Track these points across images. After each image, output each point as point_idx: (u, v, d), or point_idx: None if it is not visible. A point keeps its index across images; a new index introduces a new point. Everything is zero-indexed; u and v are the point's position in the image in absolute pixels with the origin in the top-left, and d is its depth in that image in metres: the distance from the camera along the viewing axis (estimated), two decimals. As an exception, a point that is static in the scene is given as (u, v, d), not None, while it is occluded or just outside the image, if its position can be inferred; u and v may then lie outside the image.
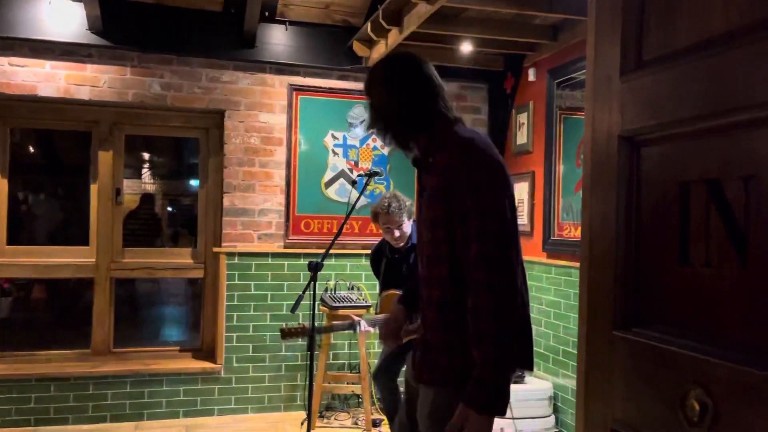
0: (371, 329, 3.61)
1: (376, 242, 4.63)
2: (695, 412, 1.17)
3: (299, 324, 3.44)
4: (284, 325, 3.43)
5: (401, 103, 1.76)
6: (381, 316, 3.52)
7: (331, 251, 4.49)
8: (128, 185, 7.75)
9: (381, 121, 1.82)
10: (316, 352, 4.26)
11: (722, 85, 1.17)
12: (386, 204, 3.29)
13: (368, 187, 4.61)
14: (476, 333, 1.60)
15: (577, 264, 3.50)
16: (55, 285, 5.15)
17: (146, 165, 7.62)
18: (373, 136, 4.66)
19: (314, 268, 2.89)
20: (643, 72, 1.45)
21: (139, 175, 7.80)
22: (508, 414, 3.74)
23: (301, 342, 4.35)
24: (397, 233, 3.34)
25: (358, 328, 3.60)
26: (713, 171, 1.22)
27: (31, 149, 5.14)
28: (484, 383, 1.58)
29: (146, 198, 6.47)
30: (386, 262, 3.57)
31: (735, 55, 1.13)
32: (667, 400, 1.27)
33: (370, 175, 3.18)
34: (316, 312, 4.37)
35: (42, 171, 5.26)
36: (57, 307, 5.26)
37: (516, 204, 1.76)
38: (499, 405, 1.60)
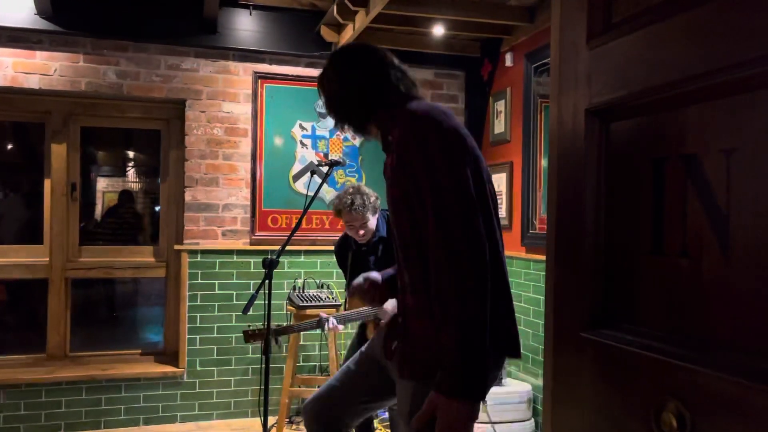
0: (340, 327, 3.42)
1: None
2: (672, 428, 1.02)
3: (263, 325, 3.22)
4: (247, 327, 3.25)
5: (351, 87, 1.72)
6: (351, 311, 3.35)
7: (300, 247, 4.36)
8: (110, 183, 7.55)
9: (335, 110, 1.79)
10: (284, 354, 4.09)
11: (701, 43, 1.02)
12: (349, 201, 3.10)
13: (339, 180, 4.46)
14: (440, 315, 1.49)
15: None
16: (9, 286, 4.91)
17: (130, 162, 7.41)
18: (344, 126, 4.48)
19: (269, 265, 2.70)
20: (612, 35, 1.29)
21: (123, 173, 7.58)
22: (485, 418, 3.58)
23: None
24: (361, 231, 3.17)
25: (326, 326, 3.38)
26: (690, 145, 1.07)
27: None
28: (452, 368, 1.45)
29: (126, 195, 6.26)
30: (352, 255, 3.37)
31: (716, 5, 0.97)
32: (641, 413, 1.12)
33: (332, 164, 3.00)
34: (283, 312, 4.21)
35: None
36: (10, 310, 5.04)
37: (488, 172, 1.64)
38: (473, 391, 1.46)
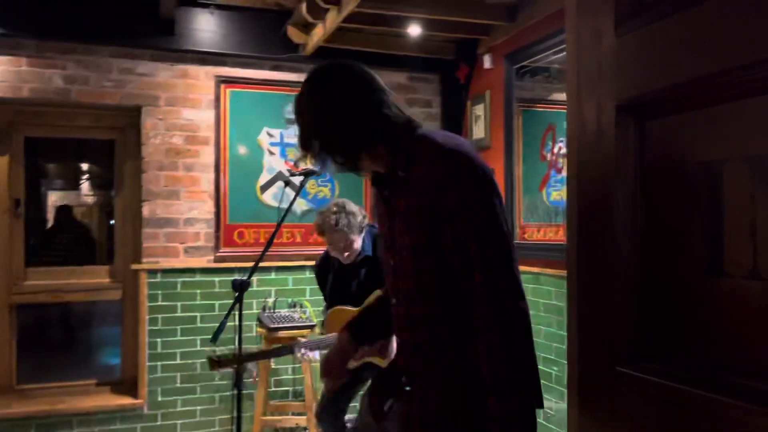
0: (313, 355, 3.18)
1: (322, 252, 4.26)
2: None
3: (231, 350, 2.96)
4: (212, 353, 2.97)
5: (340, 113, 1.49)
6: (328, 336, 3.14)
7: (271, 263, 4.13)
8: (61, 197, 7.17)
9: (319, 140, 1.54)
10: (255, 379, 3.85)
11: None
12: (333, 222, 2.91)
13: (310, 191, 4.26)
14: (493, 380, 1.36)
15: (547, 270, 3.19)
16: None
17: (84, 175, 7.05)
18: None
19: (240, 287, 2.49)
20: (648, 18, 1.13)
21: (76, 187, 7.21)
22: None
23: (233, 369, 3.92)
24: (346, 253, 2.99)
25: (296, 353, 3.14)
26: (758, 144, 0.91)
27: None
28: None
29: (63, 211, 5.93)
30: (333, 276, 3.20)
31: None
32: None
33: (306, 174, 2.80)
34: (253, 334, 3.97)
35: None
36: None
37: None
38: None
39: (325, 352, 3.26)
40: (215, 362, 2.89)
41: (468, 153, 1.43)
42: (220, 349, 3.15)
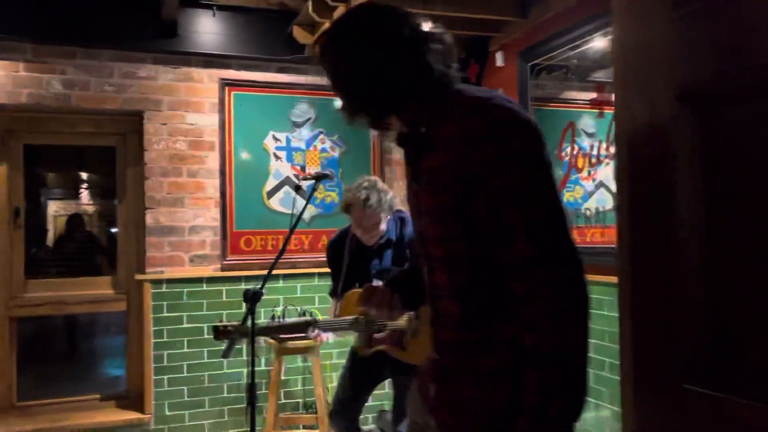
0: (327, 337, 2.98)
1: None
2: None
3: (240, 323, 2.77)
4: (219, 322, 2.78)
5: (374, 63, 1.30)
6: (343, 318, 2.86)
7: (279, 271, 4.03)
8: (62, 207, 7.08)
9: (346, 93, 1.38)
10: (264, 392, 3.75)
11: None
12: (363, 197, 2.73)
13: (318, 196, 4.17)
14: (532, 353, 1.18)
15: (594, 276, 3.04)
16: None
17: (83, 183, 6.97)
18: (322, 136, 4.20)
19: (252, 298, 2.38)
20: (713, -3, 1.04)
21: (76, 196, 7.12)
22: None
23: (246, 373, 3.82)
24: (372, 232, 2.80)
25: (310, 333, 2.93)
26: None
27: None
28: (540, 413, 1.15)
29: (75, 220, 5.85)
30: (351, 257, 2.96)
31: None
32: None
33: (318, 178, 2.70)
34: (262, 345, 3.87)
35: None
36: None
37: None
38: None
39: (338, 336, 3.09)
40: (221, 332, 2.73)
41: (510, 105, 1.24)
42: (228, 321, 2.91)
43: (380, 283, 2.65)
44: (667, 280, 1.07)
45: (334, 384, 4.07)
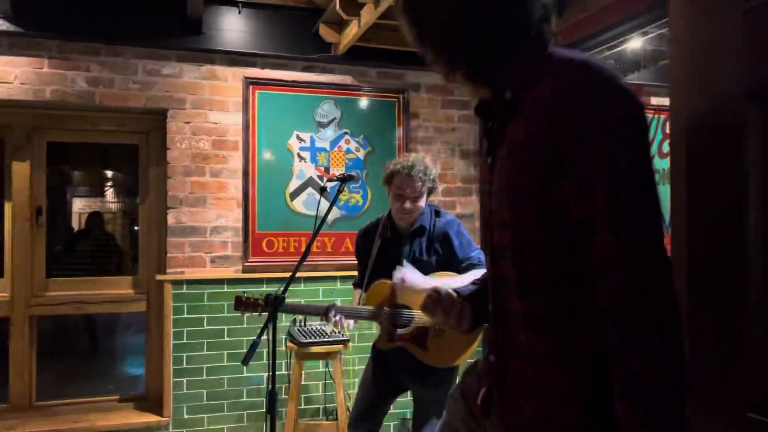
0: (348, 323, 2.86)
1: (353, 261, 4.06)
2: None
3: (261, 295, 2.74)
4: (242, 293, 2.75)
5: (480, 8, 1.13)
6: (367, 307, 2.76)
7: (301, 274, 3.96)
8: (87, 204, 7.12)
9: (442, 45, 1.18)
10: (284, 397, 3.70)
11: None
12: (409, 164, 2.65)
13: (342, 197, 4.10)
14: (626, 379, 0.99)
15: None
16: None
17: (108, 182, 7.02)
18: (347, 137, 4.13)
19: (273, 303, 2.32)
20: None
21: (101, 193, 7.17)
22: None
23: (266, 377, 3.76)
24: (408, 204, 2.68)
25: (331, 316, 2.74)
26: None
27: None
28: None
29: (95, 219, 5.89)
30: (382, 245, 2.83)
31: None
32: None
33: (344, 179, 2.62)
34: (284, 349, 3.82)
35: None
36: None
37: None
38: None
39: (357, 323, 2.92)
40: (242, 302, 2.69)
41: (610, 72, 1.04)
42: (249, 293, 2.86)
43: (410, 269, 2.55)
44: (731, 300, 0.98)
45: (355, 391, 4.01)
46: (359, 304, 2.81)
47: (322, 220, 2.53)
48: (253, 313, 2.74)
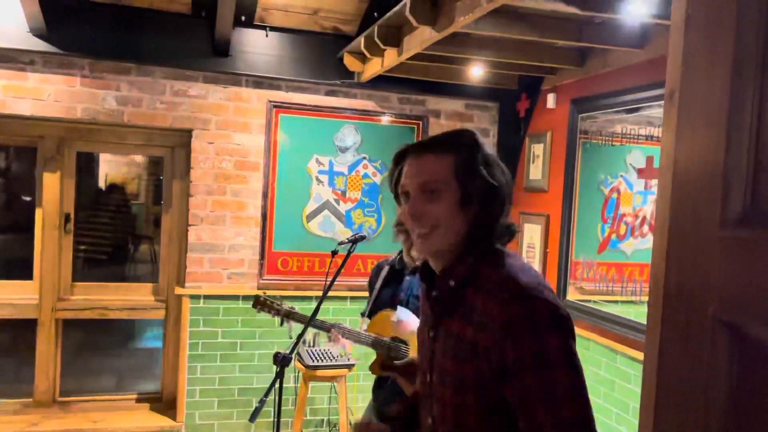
0: (346, 343, 2.96)
1: (363, 282, 4.15)
2: None
3: (279, 300, 2.94)
4: (262, 293, 2.96)
5: (500, 187, 1.33)
6: (368, 334, 2.83)
7: (311, 293, 4.08)
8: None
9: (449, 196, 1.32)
10: (291, 408, 3.84)
11: None
12: None
13: (356, 221, 4.16)
14: None
15: (600, 339, 2.97)
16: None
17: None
18: (365, 162, 4.17)
19: (281, 362, 2.42)
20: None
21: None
22: None
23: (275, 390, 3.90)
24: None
25: (332, 333, 2.91)
26: None
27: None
28: None
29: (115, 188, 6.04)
30: (390, 273, 2.88)
31: None
32: None
33: (355, 241, 2.69)
34: (292, 371, 3.93)
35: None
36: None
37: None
38: None
39: (357, 345, 3.06)
40: (259, 302, 2.87)
41: (551, 299, 1.23)
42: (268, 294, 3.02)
43: (406, 313, 2.65)
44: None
45: (359, 405, 4.15)
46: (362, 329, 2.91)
47: (330, 282, 2.60)
48: (267, 315, 2.89)
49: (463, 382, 1.28)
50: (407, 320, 2.64)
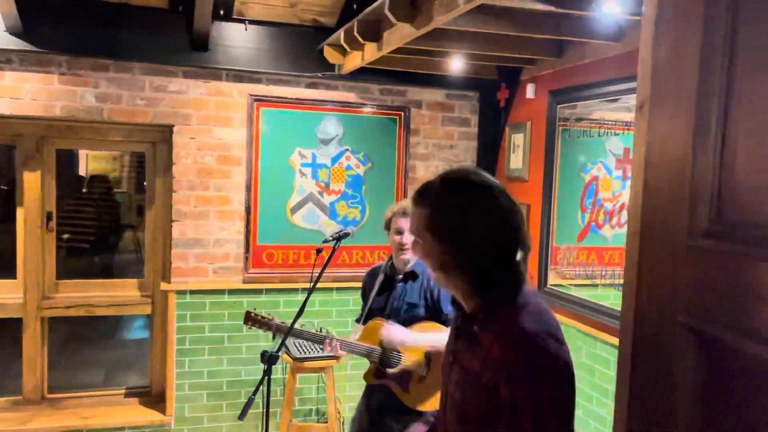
0: (342, 353, 3.02)
1: (349, 273, 4.19)
2: None
3: (270, 315, 2.98)
4: (252, 309, 2.99)
5: (482, 245, 1.36)
6: (361, 344, 2.93)
7: (298, 285, 4.12)
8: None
9: (448, 261, 1.39)
10: (280, 398, 3.90)
11: None
12: (405, 205, 2.70)
13: (341, 212, 4.19)
14: None
15: (581, 325, 3.04)
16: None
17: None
18: (348, 153, 4.19)
19: (269, 361, 2.46)
20: None
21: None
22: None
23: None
24: (405, 238, 2.76)
25: (327, 344, 2.96)
26: None
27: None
28: None
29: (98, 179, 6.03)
30: (383, 280, 2.97)
31: None
32: None
33: (339, 238, 2.73)
34: (280, 363, 3.97)
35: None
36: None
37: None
38: None
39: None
40: (250, 318, 2.90)
41: (553, 348, 1.29)
42: (259, 310, 3.06)
43: (393, 324, 2.71)
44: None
45: (347, 393, 4.21)
46: (355, 338, 2.96)
47: (315, 280, 2.64)
48: (261, 330, 2.92)
49: (465, 413, 1.37)
50: (397, 331, 2.71)
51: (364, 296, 3.11)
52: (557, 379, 1.27)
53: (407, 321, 2.80)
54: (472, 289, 1.38)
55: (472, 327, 1.38)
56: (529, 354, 1.26)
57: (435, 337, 2.66)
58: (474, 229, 1.34)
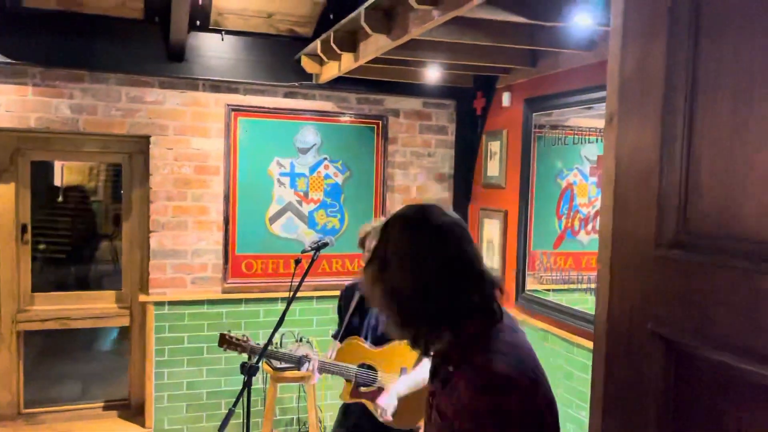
0: (317, 376, 3.00)
1: (329, 282, 4.19)
2: None
3: (244, 336, 2.94)
4: (227, 332, 2.94)
5: (423, 285, 1.30)
6: (339, 364, 2.91)
7: (278, 294, 4.10)
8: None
9: (393, 307, 1.34)
10: (260, 408, 3.87)
11: None
12: (380, 225, 2.71)
13: (320, 221, 4.19)
14: None
15: (558, 330, 3.07)
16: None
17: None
18: (326, 162, 4.19)
19: (248, 372, 2.45)
20: None
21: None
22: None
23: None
24: None
25: (305, 367, 2.92)
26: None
27: None
28: None
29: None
30: (359, 299, 2.92)
31: None
32: None
33: (319, 248, 2.73)
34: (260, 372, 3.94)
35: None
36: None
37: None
38: None
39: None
40: (225, 340, 2.86)
41: (524, 389, 1.25)
42: (234, 332, 3.04)
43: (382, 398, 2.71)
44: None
45: (327, 402, 4.20)
46: (331, 356, 2.95)
47: (295, 290, 2.63)
48: (236, 352, 2.88)
49: None
50: (389, 401, 2.71)
51: (340, 313, 3.11)
52: (529, 425, 1.24)
53: (383, 340, 2.81)
54: (435, 331, 1.32)
55: (447, 366, 1.34)
56: (497, 401, 1.22)
57: (422, 373, 2.64)
58: (419, 277, 1.31)
